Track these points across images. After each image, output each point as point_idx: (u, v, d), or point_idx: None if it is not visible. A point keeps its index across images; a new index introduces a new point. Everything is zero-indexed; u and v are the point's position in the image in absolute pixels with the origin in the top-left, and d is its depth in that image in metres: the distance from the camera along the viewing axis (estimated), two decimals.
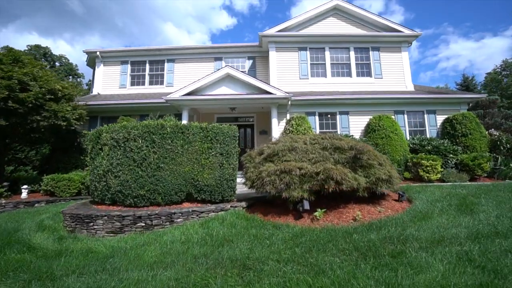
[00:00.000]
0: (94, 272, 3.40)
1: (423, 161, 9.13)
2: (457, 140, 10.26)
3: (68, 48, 61.57)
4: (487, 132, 10.89)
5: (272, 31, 12.13)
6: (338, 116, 11.14)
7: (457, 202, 5.58)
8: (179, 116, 10.88)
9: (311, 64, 12.29)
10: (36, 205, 8.68)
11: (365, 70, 12.33)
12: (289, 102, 10.69)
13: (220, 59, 13.14)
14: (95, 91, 13.15)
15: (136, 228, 5.21)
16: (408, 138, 10.71)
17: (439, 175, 9.12)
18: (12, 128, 8.97)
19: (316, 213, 5.30)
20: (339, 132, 10.96)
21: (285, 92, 10.20)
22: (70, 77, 25.90)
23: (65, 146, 10.71)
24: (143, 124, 5.85)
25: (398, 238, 4.05)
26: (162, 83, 13.14)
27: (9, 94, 8.16)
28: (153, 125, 5.84)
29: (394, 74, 12.21)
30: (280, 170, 5.51)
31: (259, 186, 5.70)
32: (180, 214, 5.38)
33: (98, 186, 6.10)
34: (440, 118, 11.15)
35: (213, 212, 5.67)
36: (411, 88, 12.04)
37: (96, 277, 3.24)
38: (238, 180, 6.87)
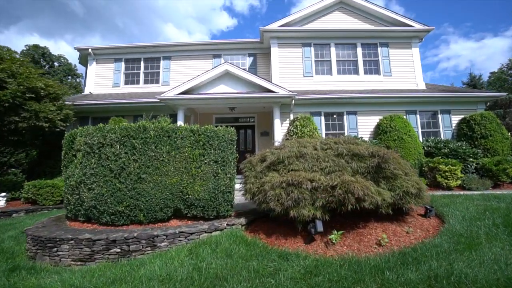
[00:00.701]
0: None
1: (441, 166, 7.96)
2: (476, 143, 9.07)
3: (69, 49, 60.39)
4: (509, 134, 9.70)
5: (274, 25, 10.95)
6: (345, 117, 9.96)
7: (502, 221, 4.41)
8: (175, 117, 9.74)
9: (315, 61, 11.10)
10: (14, 215, 7.54)
11: (373, 67, 11.14)
12: (293, 102, 9.53)
13: (219, 56, 11.96)
14: (87, 90, 12.00)
15: (109, 254, 4.06)
16: (421, 140, 9.53)
17: (459, 182, 7.95)
18: None
19: (332, 236, 4.14)
20: (346, 134, 9.79)
21: (289, 90, 9.04)
22: (69, 77, 24.76)
23: (50, 149, 9.57)
24: (121, 126, 4.70)
25: (447, 280, 2.90)
26: (157, 81, 11.97)
27: None
28: (134, 127, 4.68)
29: (404, 71, 11.02)
30: (286, 182, 4.36)
31: (261, 201, 4.55)
32: (165, 237, 4.23)
33: (71, 199, 4.95)
34: (455, 119, 9.96)
35: (206, 232, 4.52)
36: (422, 86, 10.85)
37: None
38: (237, 186, 5.71)
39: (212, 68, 9.42)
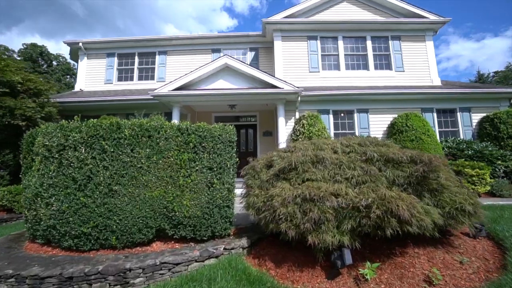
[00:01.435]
0: None
1: (466, 170, 6.76)
2: (502, 143, 7.88)
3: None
4: None
5: (278, 17, 9.76)
6: (355, 115, 8.77)
7: None
8: (170, 116, 8.57)
9: (322, 55, 9.91)
10: None
11: (384, 62, 9.94)
12: (299, 98, 8.34)
13: (218, 50, 10.77)
14: (77, 87, 10.81)
15: None
16: (439, 141, 8.34)
17: (487, 187, 6.77)
18: None
19: (365, 271, 2.96)
20: (357, 133, 8.61)
21: (294, 86, 7.86)
22: (68, 76, 23.56)
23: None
24: (89, 124, 3.52)
25: None
26: (152, 78, 10.78)
27: None
28: (104, 125, 3.50)
29: (418, 66, 9.82)
30: (302, 197, 3.18)
31: (269, 220, 3.37)
32: (141, 271, 3.05)
33: (28, 216, 3.78)
34: (475, 117, 8.77)
35: (196, 261, 3.33)
36: (437, 82, 9.65)
37: None
38: (237, 191, 4.52)
39: (211, 62, 8.24)
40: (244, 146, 10.29)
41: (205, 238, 3.77)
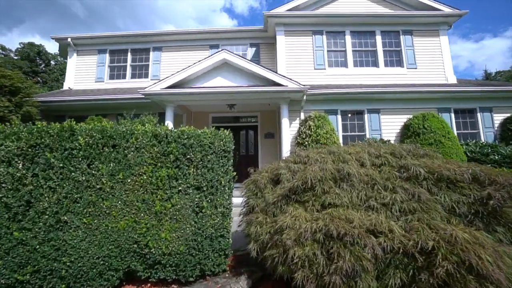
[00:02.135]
0: None
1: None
2: None
3: None
4: None
5: (281, 10, 8.70)
6: (366, 115, 7.73)
7: None
8: (164, 116, 7.55)
9: (328, 51, 8.85)
10: None
11: (394, 58, 8.89)
12: (304, 97, 7.30)
13: (216, 46, 9.71)
14: (66, 85, 9.77)
15: None
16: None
17: None
18: None
19: None
20: (367, 136, 7.57)
21: (300, 83, 6.83)
22: None
23: None
24: (30, 129, 2.47)
25: None
26: (146, 75, 9.72)
27: None
28: (51, 131, 2.46)
29: (432, 63, 8.77)
30: (325, 233, 2.15)
31: (279, 262, 2.34)
32: None
33: None
34: (498, 118, 7.73)
35: None
36: (453, 80, 8.61)
37: None
38: (235, 200, 3.48)
39: (208, 57, 7.19)
40: (244, 149, 9.27)
41: (192, 279, 2.74)
